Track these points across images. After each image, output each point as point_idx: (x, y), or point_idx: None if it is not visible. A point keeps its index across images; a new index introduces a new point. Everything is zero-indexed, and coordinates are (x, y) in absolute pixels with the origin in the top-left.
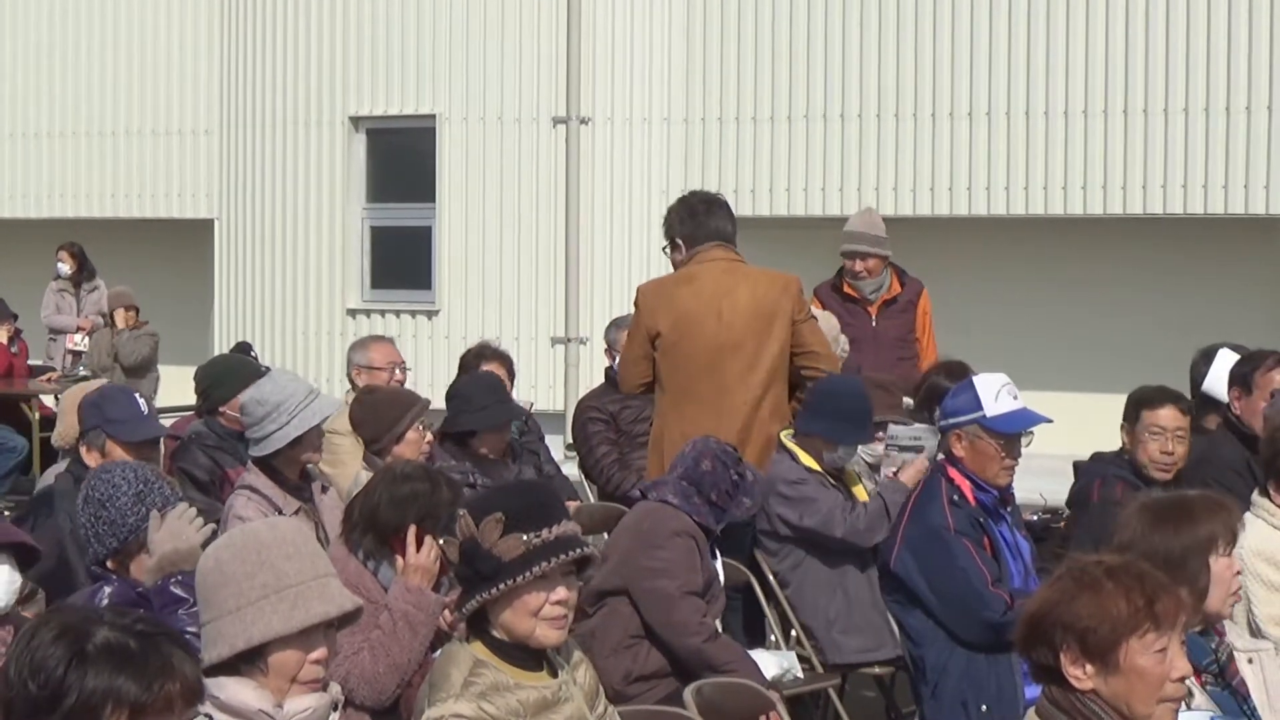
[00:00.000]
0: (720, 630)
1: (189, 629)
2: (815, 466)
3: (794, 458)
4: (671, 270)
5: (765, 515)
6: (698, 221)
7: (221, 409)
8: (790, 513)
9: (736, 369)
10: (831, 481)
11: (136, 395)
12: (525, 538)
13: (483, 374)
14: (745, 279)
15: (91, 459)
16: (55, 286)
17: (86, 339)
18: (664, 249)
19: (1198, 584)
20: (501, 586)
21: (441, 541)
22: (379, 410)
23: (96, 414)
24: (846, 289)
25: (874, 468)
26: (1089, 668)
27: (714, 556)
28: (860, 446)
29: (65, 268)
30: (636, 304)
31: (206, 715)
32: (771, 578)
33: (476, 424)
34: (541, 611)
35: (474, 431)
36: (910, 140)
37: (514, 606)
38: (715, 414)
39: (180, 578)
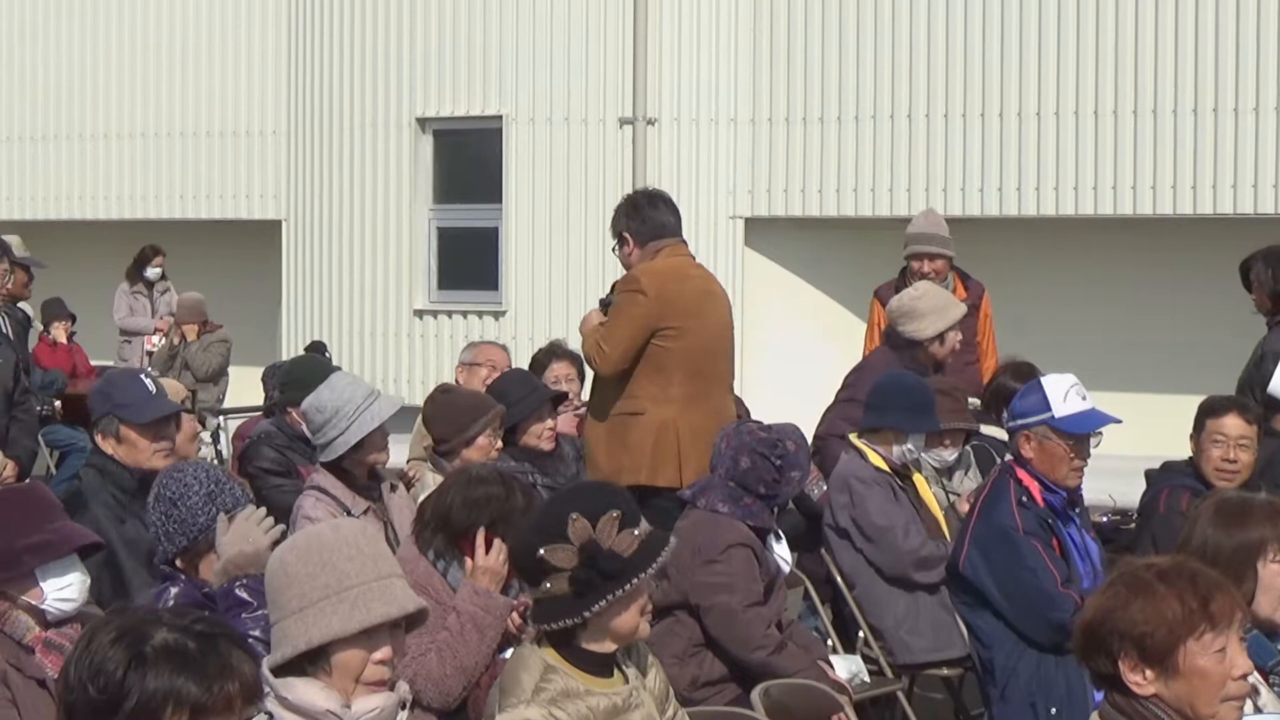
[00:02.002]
0: (785, 626)
1: (251, 632)
2: (884, 467)
3: (862, 456)
4: (622, 268)
5: (830, 509)
6: (643, 216)
7: (288, 409)
8: (854, 509)
9: (724, 363)
10: (899, 483)
11: (143, 376)
12: (635, 533)
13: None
14: (712, 278)
15: (108, 446)
16: (127, 288)
17: (164, 340)
18: (613, 249)
19: (1242, 585)
20: (633, 583)
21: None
22: (454, 413)
23: (105, 401)
24: None
25: (940, 472)
26: (1149, 673)
27: (778, 539)
28: (928, 452)
29: (156, 271)
30: (642, 289)
31: (267, 713)
32: (839, 578)
33: (515, 417)
34: (645, 606)
35: (515, 426)
36: (978, 140)
37: (627, 602)
38: (710, 405)
39: (246, 581)
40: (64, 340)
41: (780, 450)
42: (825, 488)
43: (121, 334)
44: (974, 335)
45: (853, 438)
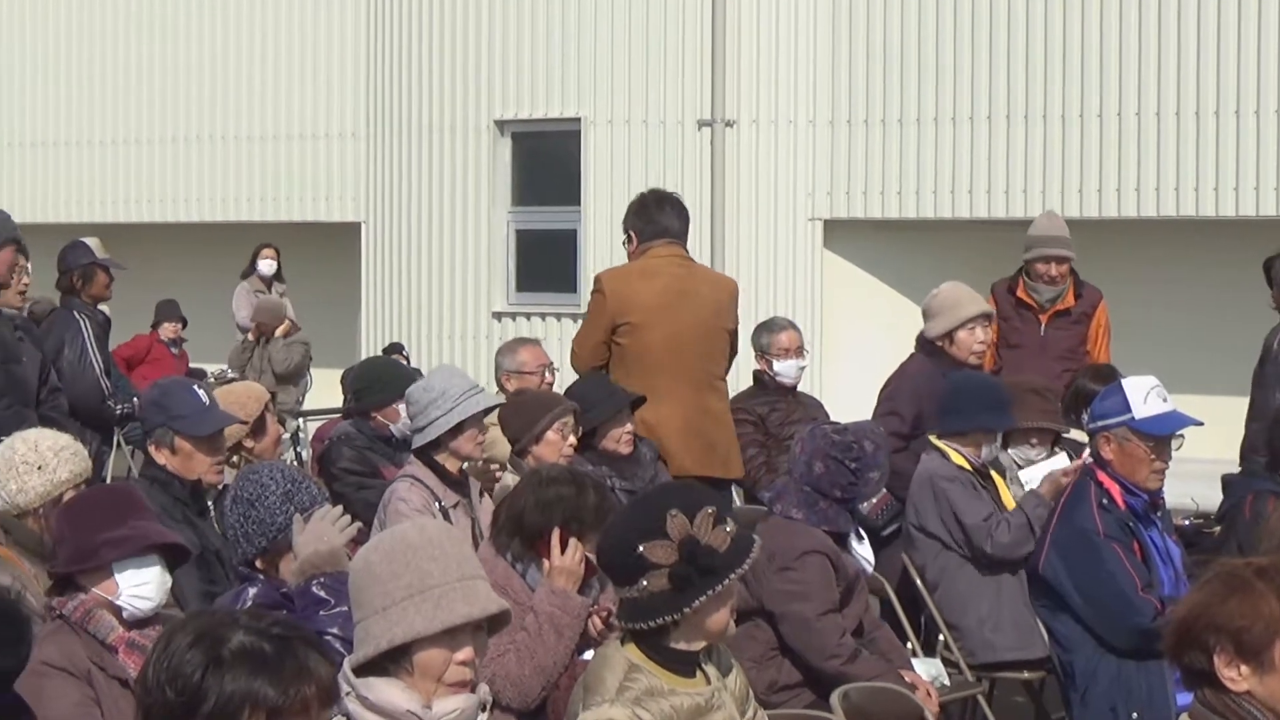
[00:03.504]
0: (868, 629)
1: (329, 630)
2: (966, 465)
3: (944, 456)
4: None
5: (914, 509)
6: (648, 216)
7: (374, 414)
8: (940, 508)
9: (693, 360)
10: (980, 481)
11: (196, 387)
12: (728, 529)
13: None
14: (702, 280)
15: (162, 457)
16: (247, 287)
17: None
18: (623, 243)
19: None
20: (730, 578)
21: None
22: (523, 411)
23: (160, 412)
24: (1021, 293)
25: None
26: (1244, 669)
27: (859, 539)
28: (1015, 449)
29: (272, 265)
30: (601, 290)
31: (343, 716)
32: (919, 581)
33: (590, 422)
34: (733, 606)
35: (594, 430)
36: (1059, 141)
37: (724, 602)
38: (675, 399)
39: (323, 579)
40: (166, 340)
41: (855, 453)
42: (874, 500)
43: (242, 331)
44: (1081, 343)
45: (933, 439)
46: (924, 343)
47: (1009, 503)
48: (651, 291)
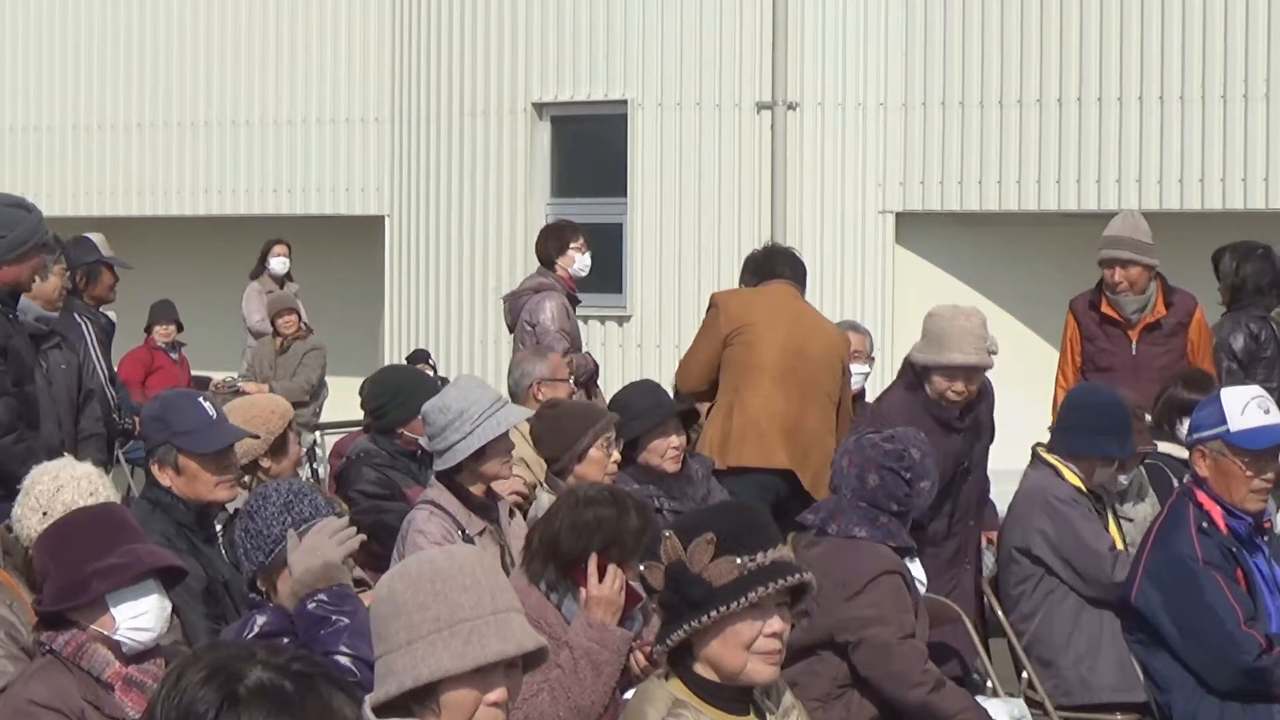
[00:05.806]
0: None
1: (337, 649)
2: (1081, 486)
3: (1057, 473)
4: None
5: (1019, 529)
6: (755, 265)
7: (400, 430)
8: (1055, 531)
9: (805, 368)
10: (1096, 506)
11: (201, 399)
12: (739, 561)
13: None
14: (811, 311)
15: (165, 478)
16: (259, 288)
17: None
18: None
19: None
20: (713, 614)
21: (643, 567)
22: (561, 426)
23: (162, 428)
24: (1105, 308)
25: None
26: None
27: (911, 557)
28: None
29: (284, 262)
30: (715, 305)
31: None
32: (999, 612)
33: (632, 432)
34: (755, 645)
35: (636, 443)
36: (1135, 128)
37: (724, 637)
38: (783, 396)
39: (320, 597)
40: (162, 345)
41: (907, 462)
42: None
43: (255, 336)
44: (1179, 359)
45: (1044, 453)
46: (906, 367)
47: (1114, 531)
48: (767, 306)
